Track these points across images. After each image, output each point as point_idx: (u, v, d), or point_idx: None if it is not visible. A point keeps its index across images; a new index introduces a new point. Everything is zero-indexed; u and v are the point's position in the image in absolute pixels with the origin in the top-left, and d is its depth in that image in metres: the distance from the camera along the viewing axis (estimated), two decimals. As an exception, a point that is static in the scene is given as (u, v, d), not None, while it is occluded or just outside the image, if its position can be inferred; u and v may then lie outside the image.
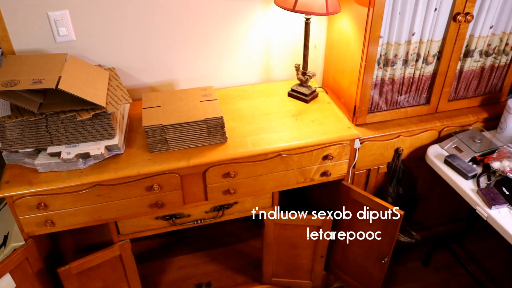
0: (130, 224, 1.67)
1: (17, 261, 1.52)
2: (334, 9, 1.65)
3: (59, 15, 1.63)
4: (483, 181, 1.71)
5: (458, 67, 1.88)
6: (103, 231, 1.74)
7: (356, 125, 1.83)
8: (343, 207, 1.86)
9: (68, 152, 1.46)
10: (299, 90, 1.92)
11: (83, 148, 1.48)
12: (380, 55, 1.73)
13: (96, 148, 1.48)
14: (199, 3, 1.78)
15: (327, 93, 2.01)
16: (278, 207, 1.82)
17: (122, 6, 1.69)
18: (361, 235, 1.89)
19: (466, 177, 1.71)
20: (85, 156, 1.47)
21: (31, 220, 1.52)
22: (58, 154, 1.46)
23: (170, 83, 1.95)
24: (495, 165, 1.70)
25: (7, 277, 1.52)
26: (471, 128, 1.95)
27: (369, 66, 1.70)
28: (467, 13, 1.69)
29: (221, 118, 1.56)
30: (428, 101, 1.92)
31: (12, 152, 1.49)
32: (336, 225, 1.92)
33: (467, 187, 1.69)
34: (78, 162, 1.48)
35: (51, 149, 1.47)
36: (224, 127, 1.59)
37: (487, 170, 1.74)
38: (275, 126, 1.73)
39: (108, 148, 1.52)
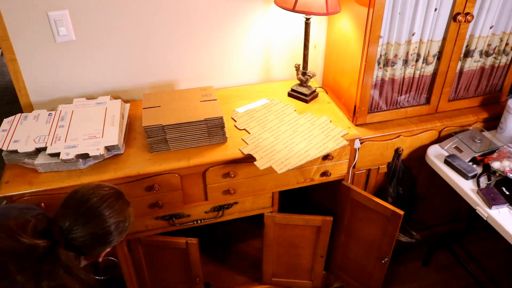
0: (130, 224, 1.67)
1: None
2: (334, 9, 1.65)
3: (59, 15, 1.63)
4: (483, 181, 1.71)
5: (458, 67, 1.88)
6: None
7: (356, 125, 1.83)
8: (343, 207, 1.87)
9: (67, 152, 1.46)
10: (299, 90, 1.92)
11: (82, 148, 1.48)
12: (380, 55, 1.73)
13: (96, 149, 1.48)
14: (199, 3, 1.78)
15: (327, 93, 2.01)
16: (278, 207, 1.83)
17: (122, 6, 1.69)
18: (361, 235, 1.89)
19: (466, 177, 1.71)
20: (85, 156, 1.47)
21: (31, 220, 1.52)
22: (57, 155, 1.46)
23: (170, 83, 1.95)
24: (495, 165, 1.70)
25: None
26: (471, 128, 1.95)
27: (369, 66, 1.70)
28: (467, 13, 1.69)
29: (221, 118, 1.56)
30: (428, 101, 1.92)
31: (12, 152, 1.49)
32: (336, 225, 1.92)
33: (467, 187, 1.69)
34: (78, 162, 1.48)
35: (50, 150, 1.47)
36: (224, 127, 1.59)
37: (487, 170, 1.74)
38: (275, 126, 1.73)
39: (107, 148, 1.52)
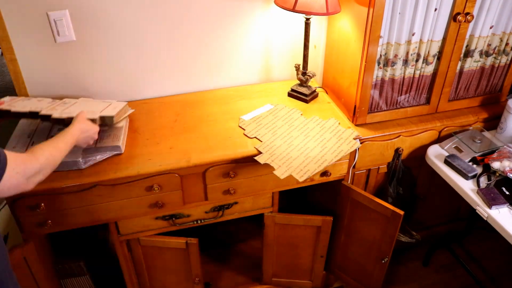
0: (130, 224, 1.67)
1: (14, 261, 1.52)
2: (334, 9, 1.65)
3: (59, 15, 1.63)
4: (483, 181, 1.71)
5: (458, 67, 1.88)
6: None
7: (356, 125, 1.83)
8: (343, 207, 1.87)
9: (61, 115, 1.43)
10: (299, 90, 1.92)
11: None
12: (380, 55, 1.73)
13: (91, 113, 1.45)
14: (199, 3, 1.78)
15: (327, 93, 2.01)
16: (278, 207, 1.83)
17: (122, 5, 1.69)
18: (361, 235, 1.89)
19: (466, 177, 1.71)
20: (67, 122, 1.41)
21: (31, 220, 1.52)
22: (49, 117, 1.43)
23: (170, 83, 1.95)
24: (495, 165, 1.70)
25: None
26: (471, 128, 1.95)
27: (369, 66, 1.70)
28: (467, 13, 1.69)
29: None
30: (428, 101, 1.92)
31: (5, 112, 1.46)
32: (336, 225, 1.92)
33: (467, 187, 1.68)
34: (78, 162, 1.48)
35: (44, 112, 1.44)
36: None
37: (487, 170, 1.74)
38: (275, 126, 1.72)
39: (102, 118, 1.50)
